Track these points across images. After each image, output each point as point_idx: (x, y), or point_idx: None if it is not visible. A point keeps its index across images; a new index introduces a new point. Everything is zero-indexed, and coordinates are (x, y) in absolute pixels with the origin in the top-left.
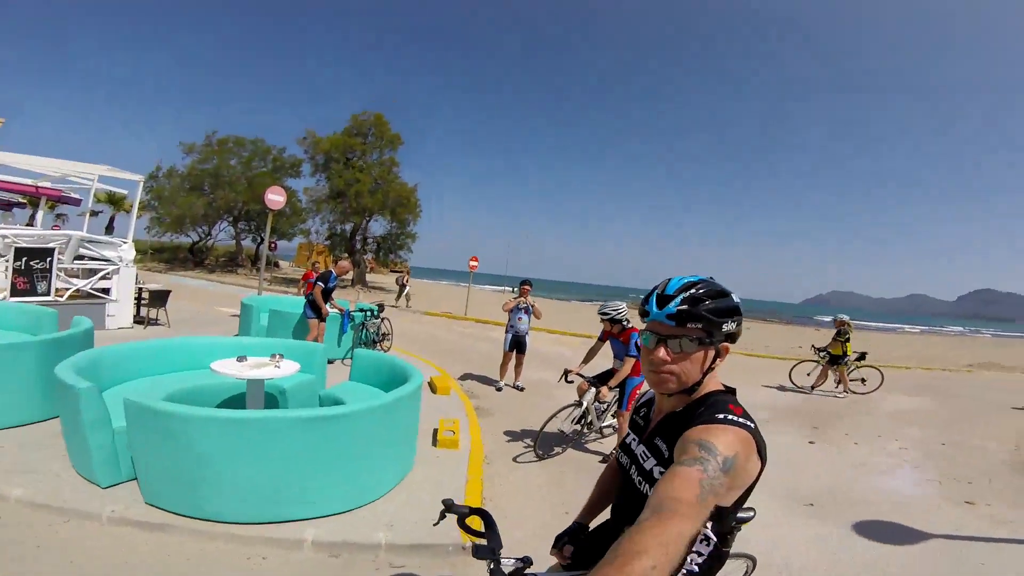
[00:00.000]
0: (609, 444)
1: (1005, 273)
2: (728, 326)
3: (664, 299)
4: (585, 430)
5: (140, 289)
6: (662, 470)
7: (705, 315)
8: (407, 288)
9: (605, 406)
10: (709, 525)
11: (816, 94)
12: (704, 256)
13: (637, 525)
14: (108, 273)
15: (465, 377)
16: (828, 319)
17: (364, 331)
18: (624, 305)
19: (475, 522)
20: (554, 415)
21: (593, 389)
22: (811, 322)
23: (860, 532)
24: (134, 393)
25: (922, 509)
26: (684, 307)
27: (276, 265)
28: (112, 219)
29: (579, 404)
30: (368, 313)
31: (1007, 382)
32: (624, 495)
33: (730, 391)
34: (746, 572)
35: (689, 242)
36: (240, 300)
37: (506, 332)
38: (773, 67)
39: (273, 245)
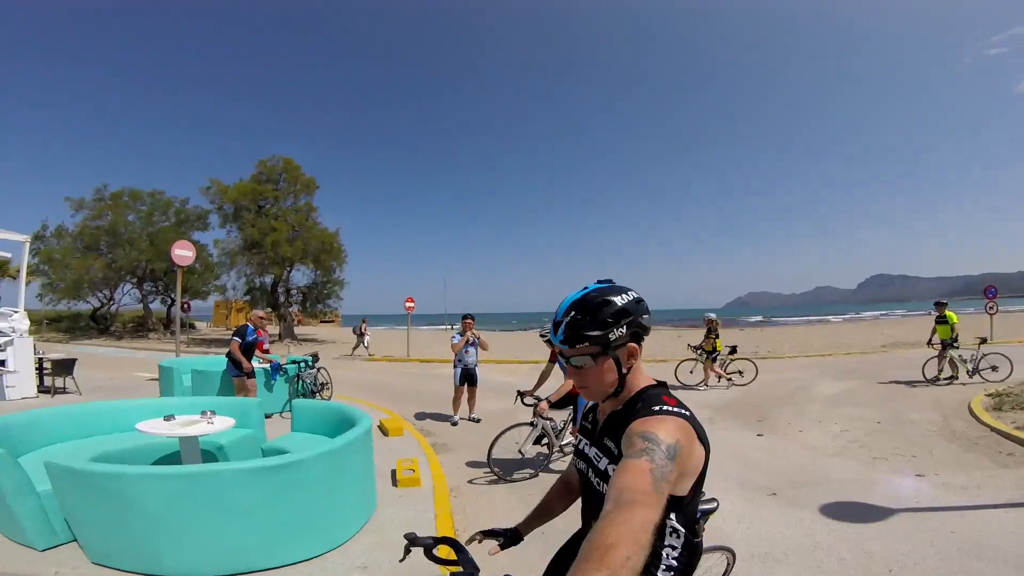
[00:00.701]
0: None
1: (894, 257)
2: (616, 332)
3: (556, 325)
4: (548, 451)
5: (40, 359)
6: (614, 467)
7: (587, 335)
8: (367, 336)
9: (561, 424)
10: (674, 517)
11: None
12: (627, 271)
13: (603, 518)
14: (2, 344)
15: (420, 416)
16: (754, 319)
17: (300, 382)
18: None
19: (443, 551)
20: (502, 433)
21: (542, 407)
22: (735, 323)
23: (829, 513)
24: (56, 456)
25: (879, 485)
26: (568, 333)
27: (192, 327)
28: None
29: (532, 424)
30: (302, 364)
31: (917, 357)
32: (586, 498)
33: (661, 384)
34: (727, 565)
35: (612, 260)
36: (158, 364)
37: (454, 367)
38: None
39: (187, 305)
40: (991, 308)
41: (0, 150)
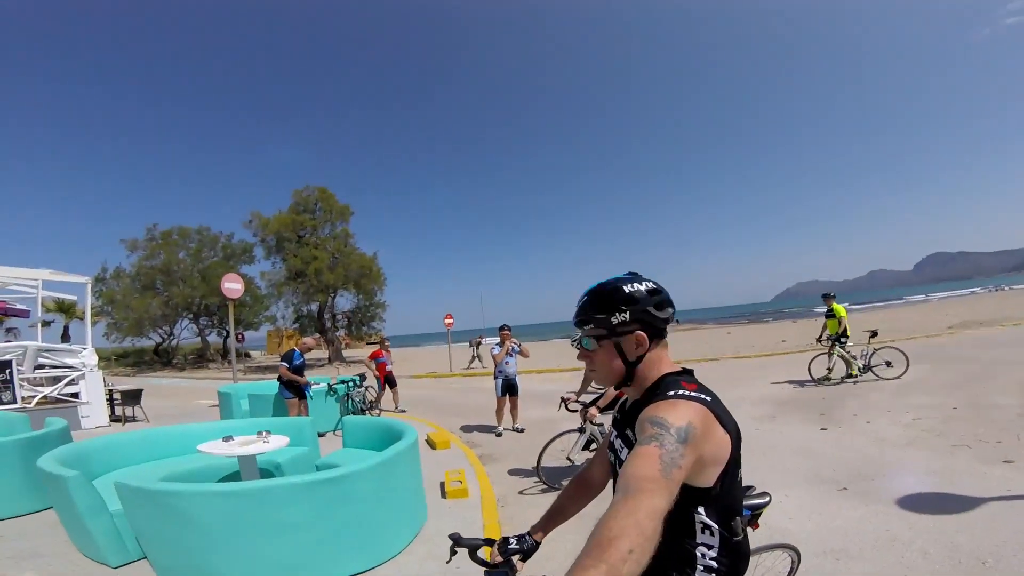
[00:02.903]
0: None
1: (951, 233)
2: (619, 317)
3: (575, 311)
4: None
5: (111, 390)
6: None
7: (592, 317)
8: (478, 348)
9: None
10: (703, 511)
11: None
12: (671, 272)
13: (609, 509)
14: (74, 378)
15: (466, 429)
16: (801, 310)
17: (350, 401)
18: None
19: (488, 553)
20: (551, 440)
21: (591, 412)
22: (786, 315)
23: (906, 506)
24: (126, 477)
25: (961, 474)
26: (579, 315)
27: (247, 356)
28: (66, 328)
29: (581, 430)
30: (350, 384)
31: (991, 337)
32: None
33: (686, 371)
34: (792, 565)
35: (653, 261)
36: (217, 391)
37: (495, 378)
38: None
39: (241, 336)
40: None
41: (57, 196)
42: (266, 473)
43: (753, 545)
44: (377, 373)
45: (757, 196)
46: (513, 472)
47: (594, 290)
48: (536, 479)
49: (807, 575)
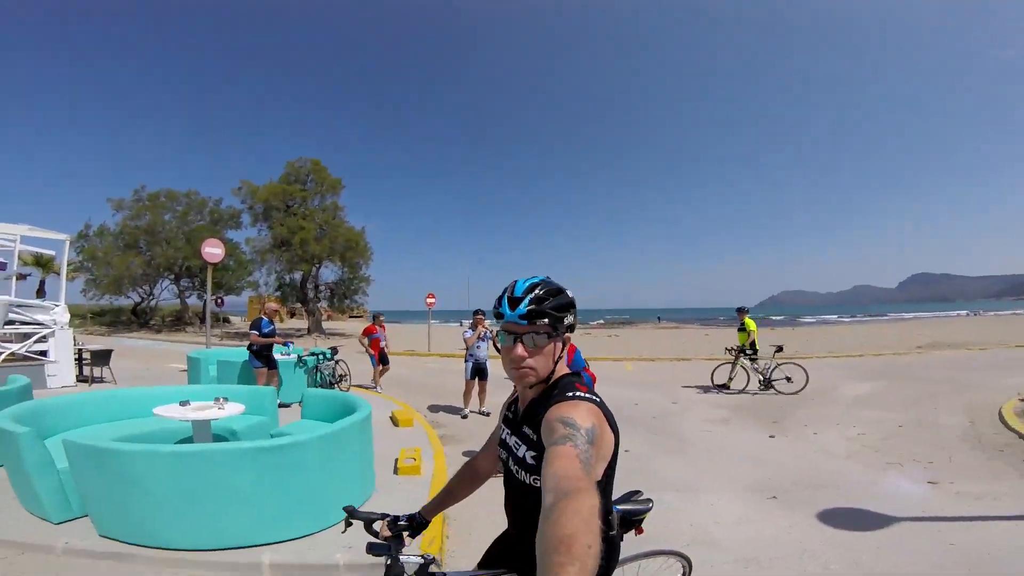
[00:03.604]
0: None
1: (937, 256)
2: (568, 319)
3: (514, 301)
4: None
5: (80, 350)
6: (533, 454)
7: (549, 312)
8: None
9: None
10: None
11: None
12: (648, 267)
13: (553, 509)
14: (44, 336)
15: (433, 409)
16: (782, 317)
17: (319, 374)
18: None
19: (381, 527)
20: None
21: None
22: (767, 322)
23: (827, 520)
24: (77, 437)
25: (887, 492)
26: (532, 307)
27: (227, 321)
28: (42, 283)
29: None
30: (321, 356)
31: (956, 359)
32: (508, 487)
33: (575, 374)
34: (683, 573)
35: (640, 262)
36: (187, 355)
37: (466, 361)
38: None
39: (220, 300)
40: None
41: (46, 154)
42: (221, 439)
43: (639, 549)
44: (372, 350)
45: (745, 202)
46: (470, 454)
47: (547, 286)
48: None
49: None
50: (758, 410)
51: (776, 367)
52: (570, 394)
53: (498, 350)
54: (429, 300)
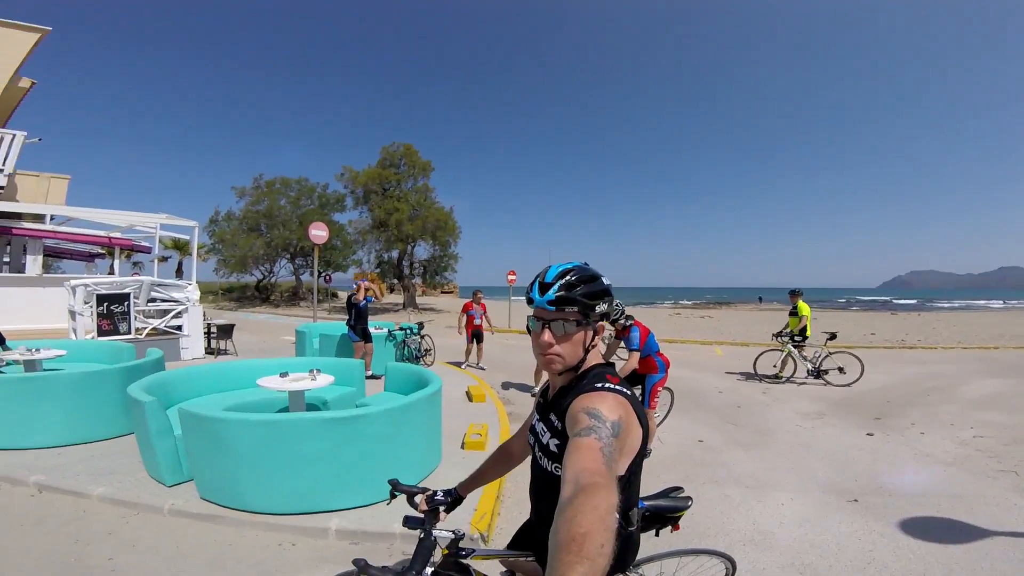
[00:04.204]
0: None
1: None
2: (600, 307)
3: (544, 287)
4: None
5: (208, 324)
6: (557, 442)
7: (579, 299)
8: None
9: None
10: None
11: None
12: (771, 255)
13: (569, 504)
14: (179, 312)
15: (506, 386)
16: (909, 301)
17: (406, 348)
18: (620, 306)
19: (421, 500)
20: None
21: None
22: (887, 306)
23: (907, 529)
24: (188, 404)
25: (988, 503)
26: (562, 293)
27: (335, 296)
28: (180, 263)
29: None
30: (408, 331)
31: None
32: (533, 472)
33: (608, 364)
34: (726, 574)
35: (748, 241)
36: (295, 329)
37: None
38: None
39: (328, 277)
40: None
41: (181, 147)
42: (314, 408)
43: (683, 546)
44: (465, 328)
45: (872, 170)
46: None
47: (580, 272)
48: None
49: None
50: (861, 405)
51: (827, 356)
52: (599, 384)
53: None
54: (510, 277)
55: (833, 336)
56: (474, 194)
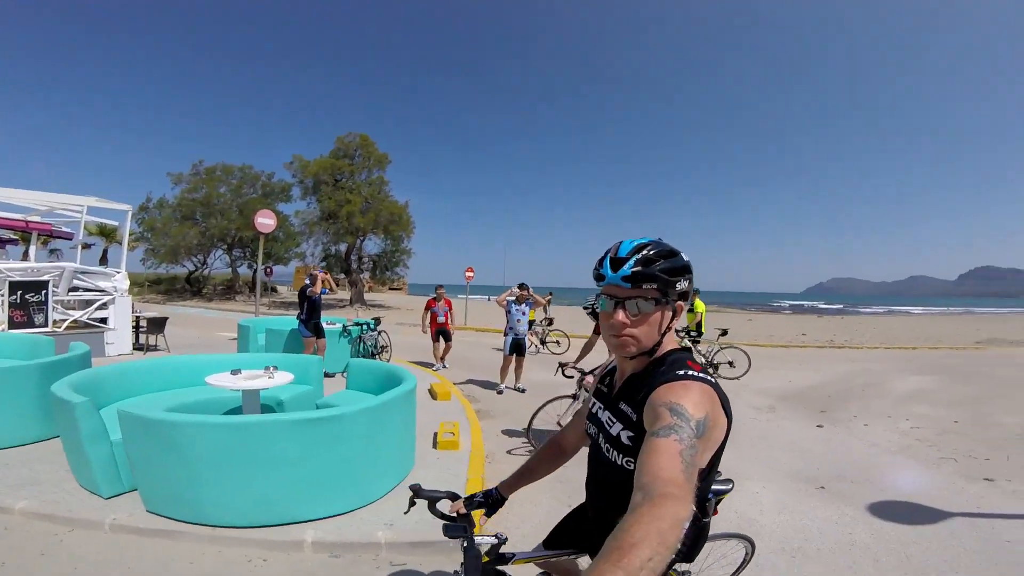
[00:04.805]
0: None
1: (1005, 249)
2: (681, 284)
3: (618, 262)
4: None
5: (137, 317)
6: (630, 434)
7: (659, 275)
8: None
9: None
10: None
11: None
12: (705, 255)
13: (632, 512)
14: (104, 303)
15: (468, 383)
16: (834, 306)
17: (362, 344)
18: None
19: (449, 507)
20: (544, 405)
21: (588, 380)
22: (814, 310)
23: (876, 513)
24: (128, 405)
25: (940, 488)
26: (638, 268)
27: (274, 290)
28: (105, 251)
29: (574, 397)
30: (364, 327)
31: (1016, 357)
32: (594, 464)
33: (686, 349)
34: (745, 555)
35: (690, 242)
36: (237, 323)
37: (505, 335)
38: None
39: (268, 270)
40: None
41: (112, 126)
42: (268, 409)
43: (712, 531)
44: (429, 326)
45: (795, 184)
46: (506, 431)
47: (657, 246)
48: (525, 439)
49: (760, 570)
50: (806, 400)
51: (719, 351)
52: (680, 372)
53: (595, 316)
54: (468, 274)
55: (724, 332)
56: (433, 191)
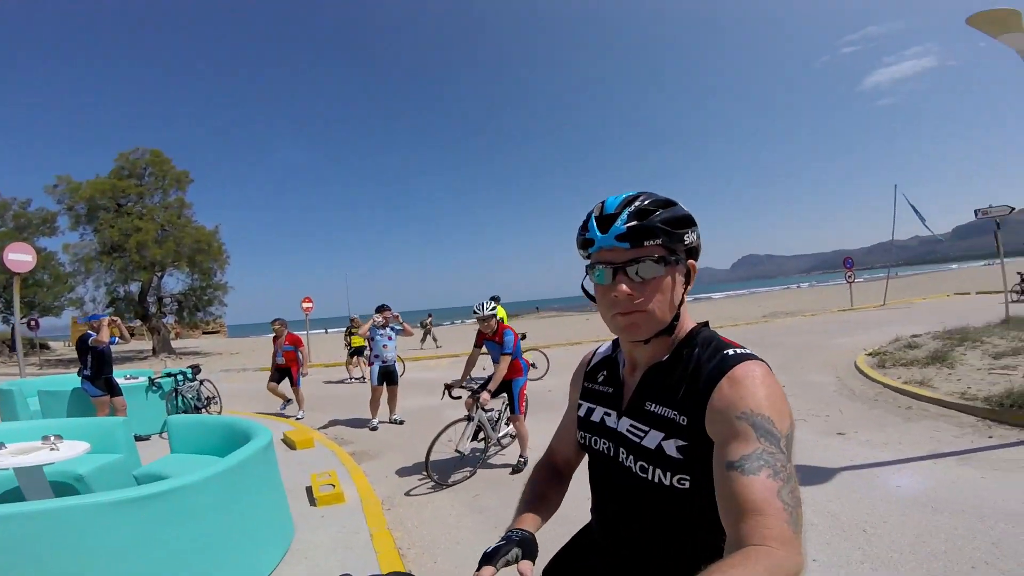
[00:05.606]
0: (512, 453)
1: (762, 239)
2: (689, 238)
3: (606, 219)
4: (484, 445)
5: None
6: (680, 443)
7: (661, 227)
8: (431, 331)
9: (497, 415)
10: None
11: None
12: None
13: (731, 568)
14: None
15: (331, 424)
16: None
17: (179, 398)
18: (494, 303)
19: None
20: (440, 434)
21: (483, 397)
22: (580, 307)
23: None
24: None
25: (811, 447)
26: (634, 222)
27: (45, 347)
28: None
29: (469, 419)
30: (179, 376)
31: (796, 325)
32: (608, 488)
33: (706, 324)
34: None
35: (507, 256)
36: None
37: (370, 364)
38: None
39: (34, 323)
40: (850, 277)
41: None
42: (63, 489)
43: None
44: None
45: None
46: (399, 470)
47: (657, 198)
48: (423, 475)
49: None
50: None
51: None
52: (730, 353)
53: (592, 299)
54: (306, 305)
55: (523, 336)
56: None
